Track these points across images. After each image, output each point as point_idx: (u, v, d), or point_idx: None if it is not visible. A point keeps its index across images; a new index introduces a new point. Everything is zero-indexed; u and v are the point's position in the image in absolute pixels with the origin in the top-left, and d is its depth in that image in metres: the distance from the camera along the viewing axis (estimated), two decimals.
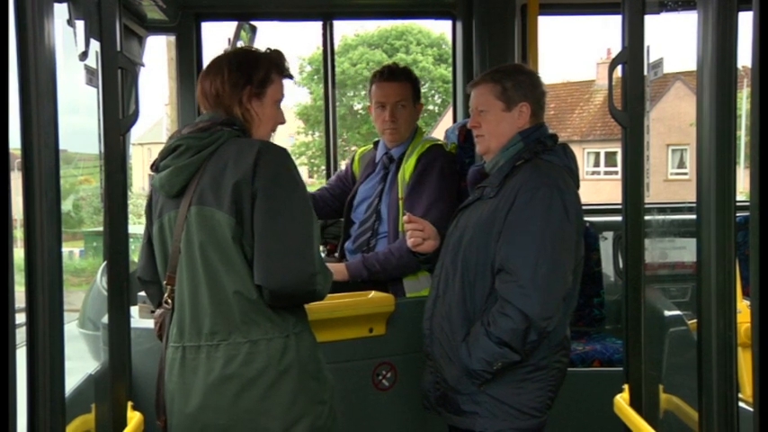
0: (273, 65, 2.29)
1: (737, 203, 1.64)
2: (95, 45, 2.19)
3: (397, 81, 3.20)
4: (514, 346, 2.31)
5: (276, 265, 2.09)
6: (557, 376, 2.45)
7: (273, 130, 2.36)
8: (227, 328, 2.14)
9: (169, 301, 2.22)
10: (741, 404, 1.66)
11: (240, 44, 3.87)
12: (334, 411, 2.26)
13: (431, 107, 31.27)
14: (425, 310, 2.58)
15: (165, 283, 2.23)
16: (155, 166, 2.27)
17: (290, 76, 2.37)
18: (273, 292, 2.10)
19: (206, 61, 3.97)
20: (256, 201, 2.11)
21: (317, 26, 4.19)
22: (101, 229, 2.28)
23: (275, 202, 2.12)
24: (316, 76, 28.27)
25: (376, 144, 3.42)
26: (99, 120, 2.23)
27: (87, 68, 2.21)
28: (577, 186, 2.51)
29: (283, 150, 2.20)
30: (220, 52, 3.43)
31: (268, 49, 2.33)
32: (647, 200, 2.37)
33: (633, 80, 2.30)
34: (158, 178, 2.23)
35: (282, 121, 2.37)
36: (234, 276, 2.14)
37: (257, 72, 2.26)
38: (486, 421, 2.40)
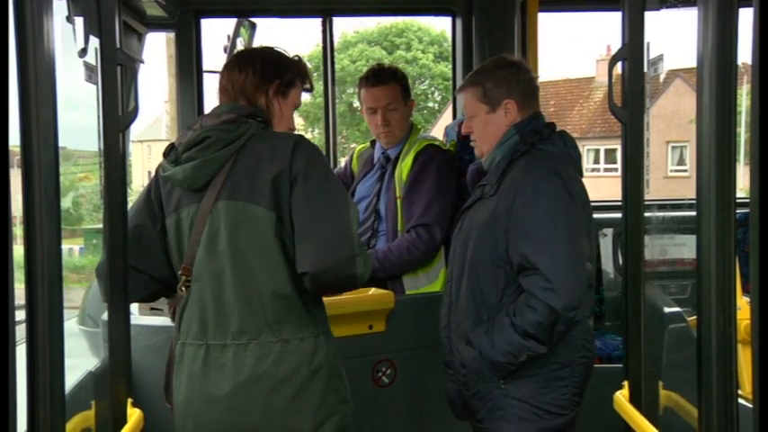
0: (300, 72, 2.33)
1: (737, 200, 1.64)
2: (95, 42, 2.18)
3: (385, 84, 3.18)
4: (541, 338, 2.26)
5: (316, 249, 2.05)
6: (581, 372, 2.42)
7: None
8: (256, 326, 2.12)
9: (183, 288, 2.20)
10: (741, 401, 1.66)
11: (240, 41, 3.87)
12: (352, 410, 2.26)
13: (431, 104, 31.25)
14: (441, 319, 2.55)
15: (179, 272, 2.21)
16: (173, 157, 2.22)
17: (310, 90, 2.39)
18: (315, 277, 2.06)
19: (205, 58, 4.01)
20: (294, 187, 2.10)
21: (316, 23, 4.18)
22: (100, 226, 2.27)
23: (312, 186, 2.10)
24: (315, 74, 28.15)
25: (373, 143, 3.42)
26: (98, 117, 2.22)
27: (86, 65, 2.21)
28: (581, 174, 2.47)
29: (316, 145, 2.23)
30: (220, 49, 3.42)
31: (296, 56, 2.36)
32: (646, 197, 2.37)
33: (633, 77, 2.30)
34: (181, 171, 2.17)
35: (293, 128, 2.38)
36: (271, 274, 2.12)
37: (287, 72, 2.29)
38: (514, 425, 2.37)
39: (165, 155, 2.26)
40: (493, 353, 2.32)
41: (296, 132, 2.35)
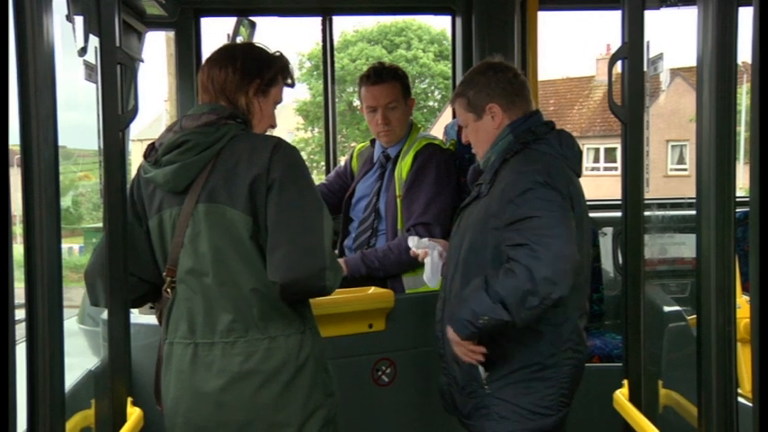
0: (282, 68, 2.31)
1: (737, 199, 1.64)
2: (94, 40, 2.18)
3: (385, 83, 3.16)
4: (509, 304, 2.17)
5: (286, 260, 2.07)
6: (569, 373, 2.39)
7: (265, 131, 2.36)
8: (244, 325, 2.14)
9: (168, 290, 2.21)
10: (740, 399, 1.66)
11: (240, 40, 3.86)
12: (337, 403, 2.28)
13: (431, 103, 31.24)
14: (436, 312, 2.57)
15: (164, 274, 2.22)
16: (153, 159, 2.21)
17: (292, 85, 2.38)
18: (283, 287, 2.09)
19: (205, 57, 3.99)
20: (270, 193, 2.10)
21: (316, 22, 4.18)
22: (100, 225, 2.27)
23: (287, 196, 2.10)
24: (315, 72, 28.25)
25: (373, 142, 3.42)
26: (98, 115, 2.22)
27: (86, 64, 2.21)
28: (579, 174, 2.46)
29: (296, 149, 2.22)
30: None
31: (277, 51, 2.34)
32: (646, 196, 2.37)
33: (633, 76, 2.30)
34: (162, 174, 2.17)
35: (275, 125, 2.37)
36: (252, 274, 2.13)
37: (268, 70, 2.27)
38: (496, 424, 2.37)
39: (146, 156, 2.25)
40: (460, 308, 2.29)
41: (276, 134, 2.35)
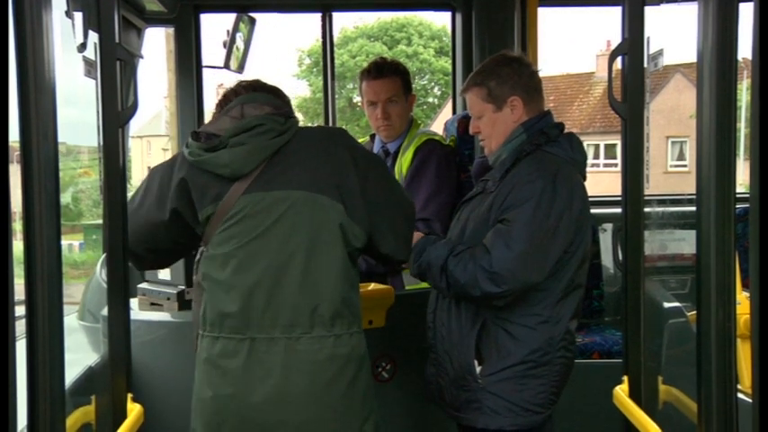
0: None
1: (737, 195, 1.64)
2: (94, 37, 2.18)
3: (386, 77, 3.16)
4: (447, 277, 2.32)
5: (402, 236, 2.29)
6: (560, 371, 2.41)
7: None
8: (310, 320, 2.08)
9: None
10: (740, 395, 1.66)
11: (239, 36, 3.86)
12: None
13: (431, 99, 31.24)
14: (429, 303, 2.57)
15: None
16: (211, 145, 2.12)
17: None
18: (400, 261, 2.38)
19: (205, 53, 4.00)
20: (368, 177, 2.19)
21: (316, 18, 4.18)
22: (100, 221, 2.27)
23: (380, 174, 2.27)
24: (315, 69, 28.22)
25: (373, 137, 3.41)
26: (98, 112, 2.22)
27: (86, 60, 2.21)
28: (584, 177, 2.47)
29: None
30: (219, 44, 3.42)
31: None
32: (646, 192, 2.37)
33: (633, 72, 2.30)
34: (228, 154, 2.10)
35: None
36: (333, 267, 2.11)
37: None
38: (488, 418, 2.38)
39: (195, 140, 2.17)
40: (429, 248, 2.41)
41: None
